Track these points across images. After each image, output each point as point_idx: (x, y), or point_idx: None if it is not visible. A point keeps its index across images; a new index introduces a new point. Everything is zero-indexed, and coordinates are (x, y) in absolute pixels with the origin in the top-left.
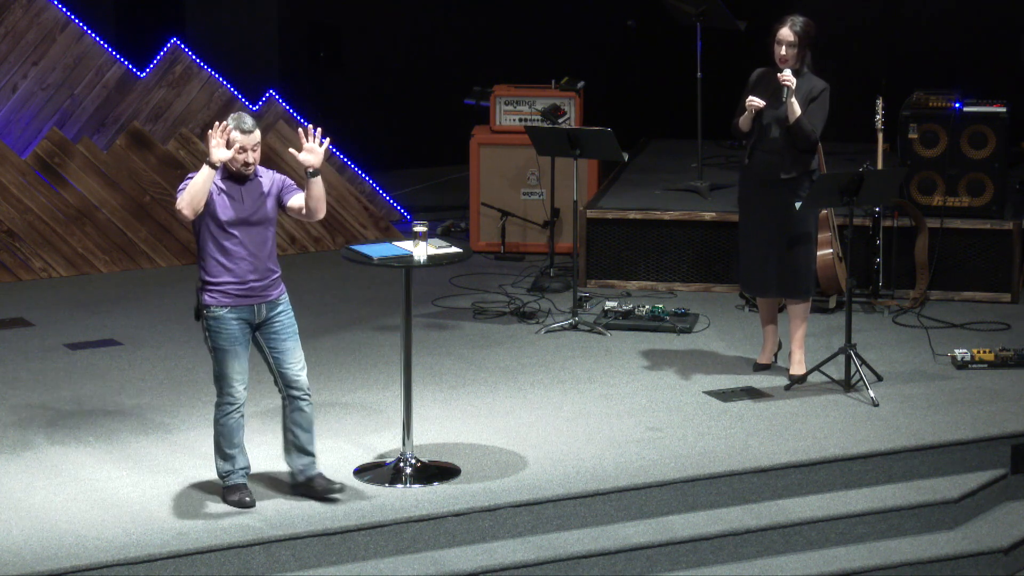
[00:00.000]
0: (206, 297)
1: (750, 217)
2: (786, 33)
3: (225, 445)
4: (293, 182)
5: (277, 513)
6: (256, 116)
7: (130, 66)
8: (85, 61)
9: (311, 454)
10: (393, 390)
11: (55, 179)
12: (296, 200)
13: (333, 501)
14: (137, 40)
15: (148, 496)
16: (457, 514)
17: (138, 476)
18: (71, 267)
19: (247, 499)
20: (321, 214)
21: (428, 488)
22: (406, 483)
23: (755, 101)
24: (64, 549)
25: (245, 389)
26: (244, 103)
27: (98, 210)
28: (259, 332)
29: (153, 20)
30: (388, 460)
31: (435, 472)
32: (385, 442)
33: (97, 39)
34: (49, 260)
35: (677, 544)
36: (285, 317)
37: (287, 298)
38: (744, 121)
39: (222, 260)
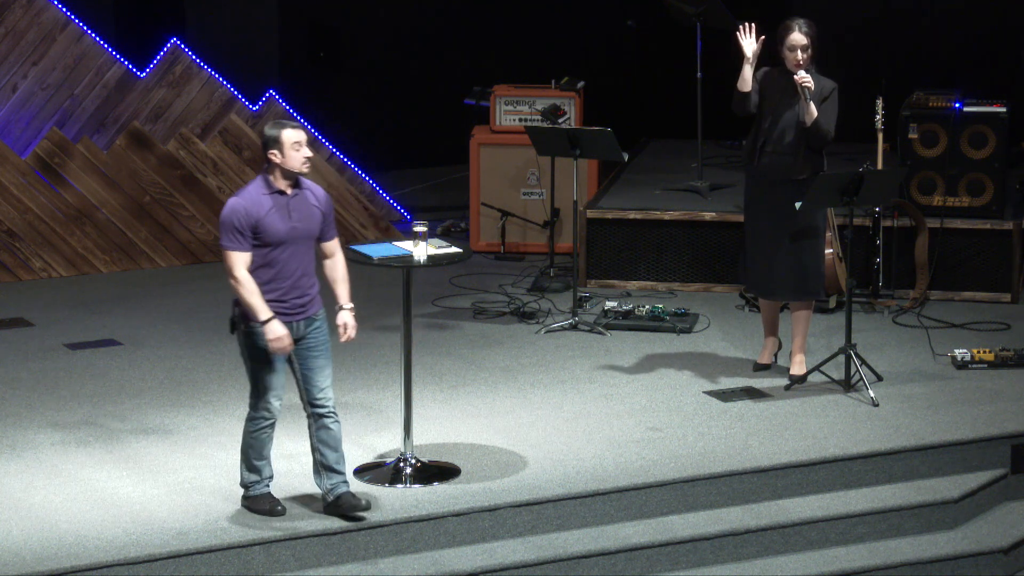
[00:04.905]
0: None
1: (759, 219)
2: (799, 38)
3: (254, 457)
4: (333, 216)
5: None
6: (256, 116)
7: (130, 66)
8: (85, 61)
9: (340, 472)
10: (393, 390)
11: (55, 179)
12: (329, 246)
13: (360, 519)
14: (137, 40)
15: (148, 496)
16: (457, 514)
17: (138, 476)
18: (71, 267)
19: (278, 508)
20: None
21: (428, 488)
22: (406, 483)
23: (746, 42)
24: (64, 549)
25: (280, 404)
26: (244, 103)
27: (98, 210)
28: (293, 347)
29: (153, 20)
30: (388, 460)
31: (435, 472)
32: (385, 442)
33: (97, 39)
34: (49, 260)
35: (677, 544)
36: (320, 334)
37: (324, 313)
38: (741, 82)
39: (266, 277)
